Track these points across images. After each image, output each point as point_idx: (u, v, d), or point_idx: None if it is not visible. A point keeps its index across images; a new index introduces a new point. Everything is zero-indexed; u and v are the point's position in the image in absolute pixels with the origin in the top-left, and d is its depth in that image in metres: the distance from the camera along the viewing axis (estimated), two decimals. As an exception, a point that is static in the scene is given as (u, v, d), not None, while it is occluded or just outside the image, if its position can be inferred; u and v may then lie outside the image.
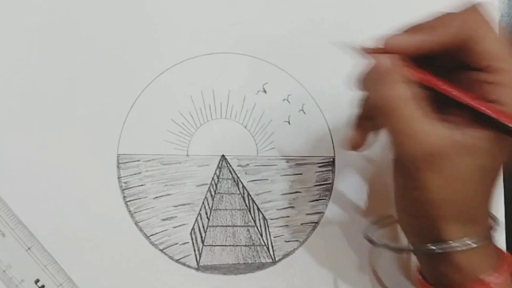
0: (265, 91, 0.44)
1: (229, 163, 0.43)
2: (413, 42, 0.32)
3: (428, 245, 0.33)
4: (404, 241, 0.38)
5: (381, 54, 0.33)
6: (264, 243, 0.43)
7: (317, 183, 0.44)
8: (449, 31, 0.32)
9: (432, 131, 0.31)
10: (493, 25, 0.32)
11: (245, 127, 0.44)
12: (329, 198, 0.44)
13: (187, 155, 0.43)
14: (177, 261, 0.42)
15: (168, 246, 0.42)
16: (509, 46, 0.32)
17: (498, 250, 0.35)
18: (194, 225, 0.42)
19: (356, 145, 0.38)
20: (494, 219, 0.36)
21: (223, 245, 0.42)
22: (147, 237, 0.42)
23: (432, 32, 0.32)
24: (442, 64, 0.33)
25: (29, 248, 0.40)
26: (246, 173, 0.43)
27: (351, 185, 0.44)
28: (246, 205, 0.43)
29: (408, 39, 0.32)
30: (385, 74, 0.32)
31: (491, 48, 0.31)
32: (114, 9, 0.43)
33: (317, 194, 0.44)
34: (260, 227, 0.43)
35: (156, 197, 0.42)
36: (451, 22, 0.32)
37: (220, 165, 0.43)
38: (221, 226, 0.43)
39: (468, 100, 0.31)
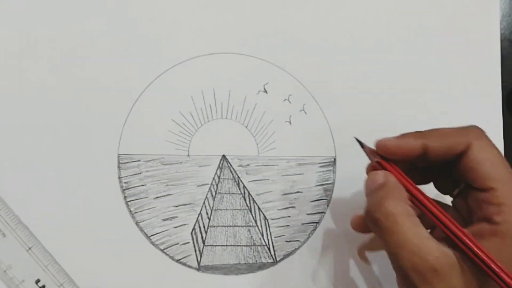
0: (266, 91, 0.44)
1: (230, 163, 0.43)
2: (405, 145, 0.35)
3: None
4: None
5: (380, 170, 0.36)
6: (265, 243, 0.43)
7: (318, 183, 0.44)
8: (444, 141, 0.35)
9: (431, 247, 0.32)
10: (493, 145, 0.35)
11: (246, 127, 0.43)
12: (330, 198, 0.44)
13: (188, 155, 0.43)
14: (178, 261, 0.42)
15: (169, 246, 0.42)
16: (504, 165, 0.34)
17: None
18: (195, 225, 0.42)
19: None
20: None
21: (224, 245, 0.42)
22: (148, 237, 0.42)
23: (429, 138, 0.35)
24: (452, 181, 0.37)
25: (29, 248, 0.40)
26: (247, 173, 0.43)
27: (352, 185, 0.44)
28: (247, 205, 0.43)
29: (399, 142, 0.35)
30: (384, 189, 0.34)
31: (490, 169, 0.34)
32: (114, 8, 0.43)
33: (318, 194, 0.44)
34: (261, 227, 0.43)
35: (157, 197, 0.42)
36: (449, 133, 0.35)
37: (221, 165, 0.43)
38: (222, 226, 0.43)
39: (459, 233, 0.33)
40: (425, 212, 0.34)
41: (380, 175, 0.35)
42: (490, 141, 0.35)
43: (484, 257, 0.32)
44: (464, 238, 0.33)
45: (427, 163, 0.36)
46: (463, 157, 0.34)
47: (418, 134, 0.36)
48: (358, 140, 0.38)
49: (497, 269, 0.32)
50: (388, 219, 0.33)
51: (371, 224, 0.34)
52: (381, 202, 0.34)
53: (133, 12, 0.43)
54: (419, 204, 0.35)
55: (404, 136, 0.36)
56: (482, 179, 0.34)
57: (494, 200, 0.33)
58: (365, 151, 0.37)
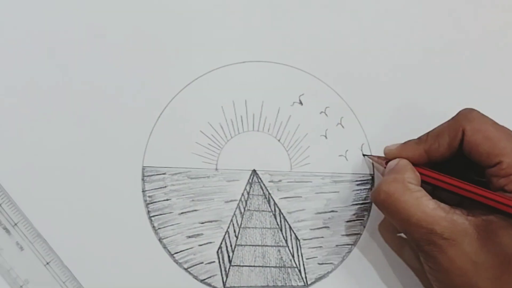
0: (301, 103, 0.43)
1: (260, 179, 0.42)
2: (406, 153, 0.39)
3: None
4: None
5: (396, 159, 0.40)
6: (296, 265, 0.41)
7: (354, 202, 0.43)
8: (441, 140, 0.38)
9: (437, 217, 0.36)
10: (486, 122, 0.37)
11: (279, 140, 0.43)
12: (367, 218, 0.42)
13: (216, 169, 0.42)
14: (202, 281, 0.41)
15: (193, 265, 0.41)
16: (505, 137, 0.37)
17: None
18: (221, 243, 0.41)
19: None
20: None
21: (251, 266, 0.41)
22: (171, 255, 0.41)
23: (426, 142, 0.39)
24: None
25: (47, 263, 0.39)
26: (278, 190, 0.42)
27: (391, 206, 0.42)
28: (277, 224, 0.42)
29: (401, 151, 0.40)
30: (390, 172, 0.39)
31: (489, 148, 0.36)
32: (144, 16, 0.42)
33: (354, 214, 0.42)
34: (292, 247, 0.42)
35: (182, 213, 0.41)
36: (442, 130, 0.38)
37: (250, 181, 0.42)
38: (250, 245, 0.41)
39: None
40: (437, 183, 0.38)
41: (394, 161, 0.40)
42: (482, 119, 0.37)
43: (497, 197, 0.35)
44: (475, 189, 0.36)
45: (441, 160, 0.39)
46: (462, 144, 0.37)
47: (417, 141, 0.40)
48: (364, 154, 0.42)
49: None
50: (389, 199, 0.37)
51: (380, 208, 0.38)
52: (379, 185, 0.38)
53: (161, 19, 0.43)
54: (430, 179, 0.38)
55: (406, 144, 0.40)
56: (485, 158, 0.36)
57: (501, 173, 0.36)
58: (373, 160, 0.42)
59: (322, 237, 0.42)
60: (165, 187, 0.41)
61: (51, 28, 0.42)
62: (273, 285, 0.41)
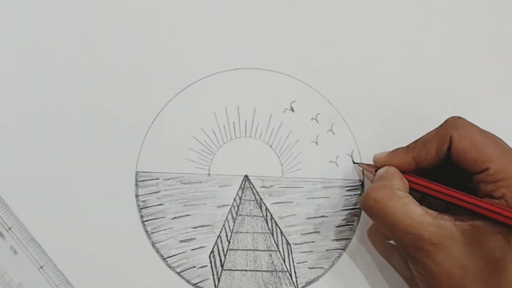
0: (292, 110, 0.43)
1: (252, 184, 0.42)
2: (395, 161, 0.39)
3: None
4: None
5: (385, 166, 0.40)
6: (287, 269, 0.41)
7: (345, 208, 0.42)
8: (428, 147, 0.38)
9: (425, 223, 0.36)
10: (472, 129, 0.37)
11: (270, 146, 0.43)
12: (357, 224, 0.42)
13: (209, 174, 0.42)
14: (194, 285, 0.41)
15: (186, 269, 0.41)
16: (492, 143, 0.37)
17: None
18: (213, 248, 0.41)
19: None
20: None
21: (243, 270, 0.41)
22: (164, 259, 0.40)
23: (414, 150, 0.39)
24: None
25: (41, 267, 0.39)
26: (270, 195, 0.42)
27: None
28: (269, 229, 0.42)
29: (390, 158, 0.40)
30: (378, 179, 0.39)
31: (476, 154, 0.36)
32: (136, 23, 0.43)
33: (344, 220, 0.42)
34: (283, 252, 0.42)
35: (175, 218, 0.41)
36: (430, 138, 0.38)
37: (242, 186, 0.42)
38: (241, 249, 0.41)
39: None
40: (425, 191, 0.38)
41: (383, 169, 0.40)
42: (469, 126, 0.37)
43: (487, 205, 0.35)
44: (465, 197, 0.36)
45: (429, 167, 0.39)
46: (450, 151, 0.37)
47: (406, 148, 0.40)
48: (354, 162, 0.43)
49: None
50: (377, 205, 0.37)
51: (368, 214, 0.38)
52: (367, 192, 0.38)
53: (154, 26, 0.43)
54: (418, 186, 0.38)
55: (395, 152, 0.40)
56: (472, 165, 0.37)
57: (489, 179, 0.36)
58: (363, 167, 0.42)
59: (313, 241, 0.42)
60: (158, 192, 0.41)
61: (44, 39, 0.42)
62: (264, 289, 0.41)
